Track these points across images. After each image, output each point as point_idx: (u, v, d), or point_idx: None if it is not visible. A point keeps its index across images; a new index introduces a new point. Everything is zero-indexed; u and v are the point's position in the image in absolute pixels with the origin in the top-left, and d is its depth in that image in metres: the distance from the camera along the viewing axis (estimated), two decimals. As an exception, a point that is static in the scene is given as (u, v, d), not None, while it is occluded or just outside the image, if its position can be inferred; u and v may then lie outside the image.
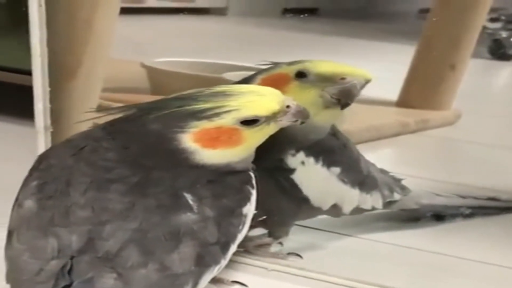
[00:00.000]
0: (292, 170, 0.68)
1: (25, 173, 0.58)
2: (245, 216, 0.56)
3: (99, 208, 0.51)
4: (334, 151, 0.71)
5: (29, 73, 0.73)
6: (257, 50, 1.80)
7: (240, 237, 0.56)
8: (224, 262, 0.55)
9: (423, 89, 1.32)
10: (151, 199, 0.52)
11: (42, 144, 0.73)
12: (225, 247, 0.54)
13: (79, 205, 0.51)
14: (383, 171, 0.78)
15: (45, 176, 0.54)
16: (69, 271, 0.49)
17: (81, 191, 0.52)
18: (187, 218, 0.52)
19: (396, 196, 0.77)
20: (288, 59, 0.69)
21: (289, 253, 0.72)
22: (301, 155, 0.68)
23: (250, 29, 2.44)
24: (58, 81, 0.76)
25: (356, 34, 2.47)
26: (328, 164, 0.70)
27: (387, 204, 0.76)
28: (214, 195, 0.54)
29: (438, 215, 0.83)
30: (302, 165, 0.68)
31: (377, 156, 1.09)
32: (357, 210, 0.73)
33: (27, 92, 0.75)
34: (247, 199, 0.56)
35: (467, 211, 0.83)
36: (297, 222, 0.74)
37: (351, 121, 1.08)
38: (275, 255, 0.71)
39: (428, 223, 0.82)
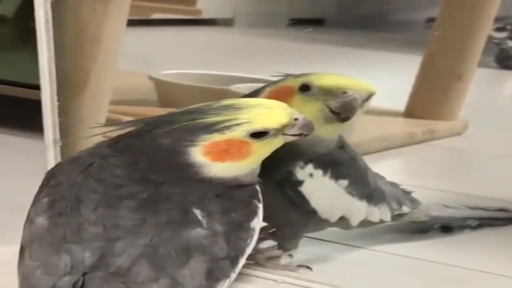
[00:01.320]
0: (300, 182, 0.68)
1: (35, 187, 0.58)
2: (253, 229, 0.56)
3: (110, 225, 0.52)
4: (342, 163, 0.71)
5: (38, 87, 0.74)
6: (264, 61, 1.79)
7: (248, 251, 0.56)
8: (233, 276, 0.55)
9: (430, 99, 1.32)
10: (161, 215, 0.52)
11: (51, 158, 0.74)
12: (234, 261, 0.54)
13: (90, 222, 0.52)
14: (393, 184, 0.78)
15: (54, 193, 0.54)
16: (81, 287, 0.49)
17: (91, 208, 0.52)
18: (197, 233, 0.52)
19: (405, 209, 0.77)
20: (295, 70, 0.69)
21: (299, 265, 0.72)
22: (309, 168, 0.68)
23: (257, 40, 2.44)
24: (67, 95, 0.76)
25: (363, 44, 2.47)
26: (336, 176, 0.70)
27: (396, 217, 0.76)
28: (223, 210, 0.54)
29: (446, 227, 0.82)
30: (310, 177, 0.68)
31: (385, 167, 1.09)
32: (365, 223, 0.73)
33: (37, 106, 0.75)
34: (254, 213, 0.57)
35: (475, 223, 0.83)
36: (306, 234, 0.74)
37: (358, 132, 1.08)
38: (285, 268, 0.71)
39: (438, 234, 0.82)
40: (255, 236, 0.57)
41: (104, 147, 0.57)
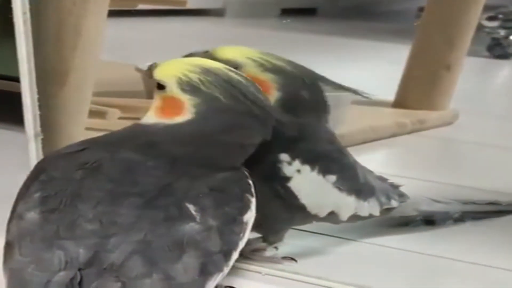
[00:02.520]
0: (288, 178, 0.68)
1: (18, 178, 0.57)
2: (246, 223, 0.57)
3: (108, 221, 0.52)
4: (330, 158, 0.70)
5: (19, 80, 0.73)
6: (254, 51, 1.78)
7: (241, 245, 0.57)
8: (226, 270, 0.55)
9: (419, 89, 1.32)
10: (157, 211, 0.53)
11: (33, 151, 0.73)
12: (227, 255, 0.55)
13: (86, 219, 0.52)
14: (380, 178, 0.78)
15: (47, 188, 0.54)
16: (79, 283, 0.49)
17: (91, 205, 0.52)
18: (190, 228, 0.53)
19: (394, 203, 0.76)
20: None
21: (283, 257, 0.71)
22: (296, 163, 0.68)
23: (248, 30, 2.43)
24: (49, 87, 0.76)
25: (355, 34, 2.47)
26: (324, 172, 0.69)
27: (385, 211, 0.76)
28: (216, 204, 0.55)
29: (428, 219, 0.82)
30: (298, 173, 0.68)
31: (374, 158, 1.09)
32: (354, 217, 0.73)
33: (19, 98, 0.75)
34: (247, 207, 0.57)
35: (457, 214, 0.83)
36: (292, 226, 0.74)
37: (346, 122, 1.08)
38: (270, 259, 0.71)
39: (422, 226, 0.81)
40: (248, 230, 0.58)
41: (131, 153, 0.57)
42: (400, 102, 1.33)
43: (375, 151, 1.14)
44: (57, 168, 0.56)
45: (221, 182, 0.56)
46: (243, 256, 0.71)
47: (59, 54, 0.78)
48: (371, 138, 1.16)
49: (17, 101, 0.77)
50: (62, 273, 0.49)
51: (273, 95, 0.68)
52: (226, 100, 0.58)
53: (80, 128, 0.79)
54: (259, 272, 0.69)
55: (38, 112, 0.72)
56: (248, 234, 0.58)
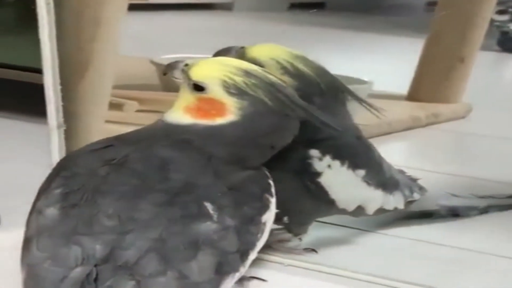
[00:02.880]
0: (319, 174, 0.68)
1: (38, 171, 0.57)
2: (264, 224, 0.57)
3: (126, 217, 0.52)
4: (358, 153, 0.71)
5: (41, 71, 0.73)
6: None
7: (259, 245, 0.57)
8: (243, 270, 0.55)
9: (433, 83, 1.32)
10: (176, 209, 0.53)
11: (55, 142, 0.73)
12: (244, 255, 0.55)
13: (106, 214, 0.52)
14: (400, 172, 0.78)
15: (69, 184, 0.54)
16: (95, 280, 0.49)
17: (111, 200, 0.52)
18: (206, 227, 0.53)
19: (416, 196, 0.77)
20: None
21: (305, 248, 0.72)
22: (327, 159, 0.68)
23: (256, 24, 2.43)
24: (69, 79, 0.75)
25: (364, 28, 2.47)
26: (353, 166, 0.70)
27: (407, 204, 0.76)
28: (235, 204, 0.55)
29: (450, 213, 0.82)
30: (329, 168, 0.68)
31: (389, 151, 1.08)
32: (380, 211, 0.73)
33: (41, 90, 0.74)
34: (266, 207, 0.57)
35: (480, 206, 0.83)
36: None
37: (361, 116, 1.07)
38: (292, 250, 0.71)
39: (442, 218, 0.81)
40: (267, 231, 0.57)
41: (164, 149, 0.56)
42: (414, 95, 1.33)
43: (389, 144, 1.14)
44: (80, 165, 0.56)
45: (241, 182, 0.56)
46: (267, 246, 0.71)
47: (79, 45, 0.77)
48: (385, 132, 1.16)
49: (37, 92, 0.77)
50: (78, 269, 0.49)
51: None
52: (272, 103, 0.58)
53: (99, 120, 0.79)
54: (281, 263, 0.69)
55: (61, 103, 0.72)
56: (267, 234, 0.57)
